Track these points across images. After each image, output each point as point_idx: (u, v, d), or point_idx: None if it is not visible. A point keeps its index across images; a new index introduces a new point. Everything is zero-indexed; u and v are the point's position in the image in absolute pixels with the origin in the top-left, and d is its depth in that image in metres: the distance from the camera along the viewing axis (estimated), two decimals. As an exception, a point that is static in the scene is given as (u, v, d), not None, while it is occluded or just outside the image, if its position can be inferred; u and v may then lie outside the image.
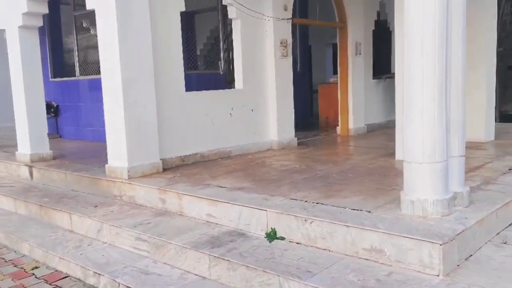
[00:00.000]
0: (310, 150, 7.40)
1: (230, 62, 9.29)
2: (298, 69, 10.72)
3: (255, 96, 7.41)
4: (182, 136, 6.41)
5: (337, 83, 9.79)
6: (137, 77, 5.62)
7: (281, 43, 7.50)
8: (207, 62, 9.78)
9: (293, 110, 7.85)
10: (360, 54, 9.10)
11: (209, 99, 6.78)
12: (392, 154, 6.58)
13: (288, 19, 7.59)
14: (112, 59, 5.50)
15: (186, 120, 6.44)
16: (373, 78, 9.79)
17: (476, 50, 7.05)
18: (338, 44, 9.09)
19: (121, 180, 5.56)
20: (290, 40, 7.67)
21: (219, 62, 9.18)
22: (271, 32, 7.41)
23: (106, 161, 5.91)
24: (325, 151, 7.34)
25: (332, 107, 9.89)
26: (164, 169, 6.01)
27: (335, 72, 12.68)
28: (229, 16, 7.14)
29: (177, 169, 6.14)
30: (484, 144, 7.04)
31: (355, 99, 9.05)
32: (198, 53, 9.93)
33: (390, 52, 10.72)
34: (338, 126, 9.29)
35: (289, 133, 7.79)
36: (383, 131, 9.42)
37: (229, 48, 9.31)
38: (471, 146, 6.68)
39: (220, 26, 9.11)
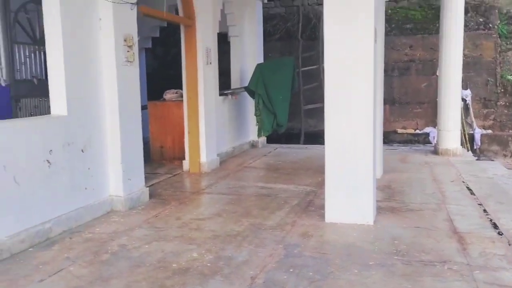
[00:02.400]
0: (177, 210, 4.78)
1: (15, 66, 5.86)
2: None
3: (87, 125, 4.40)
4: (-47, 220, 3.07)
5: (176, 100, 7.32)
6: None
7: (125, 40, 4.68)
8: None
9: (142, 143, 5.09)
10: (210, 63, 6.84)
11: (8, 137, 3.53)
12: (309, 210, 4.58)
13: (133, 4, 4.82)
14: None
15: (-39, 185, 3.13)
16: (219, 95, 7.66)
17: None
18: (183, 47, 6.62)
19: None
20: (136, 37, 4.90)
21: (-2, 66, 5.65)
22: (109, 22, 4.52)
23: None
24: (203, 210, 4.83)
25: (169, 134, 7.33)
26: None
27: (154, 88, 10.07)
28: (38, -14, 4.00)
29: None
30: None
31: (207, 123, 6.74)
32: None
33: (229, 64, 8.83)
34: (184, 159, 6.81)
35: (138, 181, 4.99)
36: (238, 163, 7.37)
37: (13, 43, 5.87)
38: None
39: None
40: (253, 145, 9.08)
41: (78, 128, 4.25)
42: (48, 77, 4.14)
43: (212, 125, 6.91)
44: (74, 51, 4.20)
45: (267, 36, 10.60)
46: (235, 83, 8.65)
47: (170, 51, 11.67)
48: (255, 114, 7.89)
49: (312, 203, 4.90)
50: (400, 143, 10.03)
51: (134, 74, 4.86)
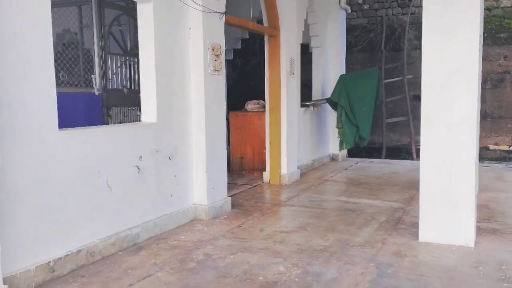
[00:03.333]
0: (260, 221, 4.69)
1: (107, 75, 6.12)
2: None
3: (175, 133, 4.45)
4: (51, 220, 3.18)
5: (257, 111, 7.29)
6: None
7: (213, 49, 4.71)
8: (68, 74, 6.41)
9: (226, 153, 5.08)
10: (293, 73, 6.75)
11: (102, 142, 3.63)
12: (399, 227, 4.27)
13: (222, 13, 4.85)
14: None
15: (59, 187, 3.23)
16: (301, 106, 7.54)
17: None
18: (266, 57, 6.59)
19: None
20: (223, 47, 4.93)
21: (92, 76, 5.91)
22: (198, 31, 4.57)
23: None
24: (286, 223, 4.68)
25: (249, 144, 7.31)
26: (14, 304, 2.74)
27: (233, 98, 10.19)
28: (133, -3, 4.12)
29: (43, 298, 2.90)
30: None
31: (289, 134, 6.63)
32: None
33: (310, 75, 8.68)
34: (264, 171, 6.74)
35: (221, 191, 4.97)
36: (318, 176, 7.17)
37: (106, 54, 6.14)
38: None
39: (94, 16, 5.87)
40: (333, 158, 8.84)
41: (166, 136, 4.31)
42: (140, 85, 4.24)
43: (294, 136, 6.79)
44: (164, 60, 4.28)
45: (349, 47, 10.36)
46: (316, 94, 8.49)
47: (249, 62, 11.79)
48: (337, 126, 7.67)
49: (401, 221, 4.59)
50: (492, 161, 9.30)
51: (220, 83, 4.87)
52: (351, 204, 5.32)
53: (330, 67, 8.68)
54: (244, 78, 11.69)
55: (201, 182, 4.68)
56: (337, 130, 7.77)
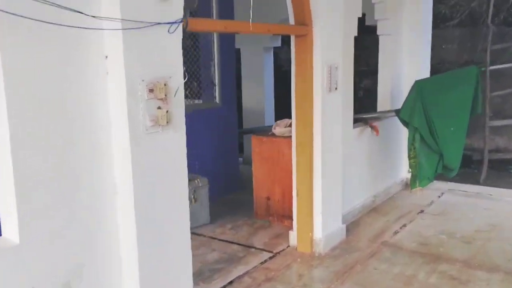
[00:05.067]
0: None
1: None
2: (217, 100, 5.99)
3: (74, 246, 2.55)
4: None
5: (288, 136, 5.13)
6: None
7: (151, 90, 2.65)
8: None
9: (191, 257, 3.08)
10: (336, 88, 4.46)
11: None
12: None
13: (175, 23, 2.73)
14: None
15: None
16: (354, 125, 5.25)
17: None
18: (293, 67, 4.37)
19: None
20: (181, 78, 2.84)
21: None
22: (117, 61, 2.54)
23: None
24: None
25: (278, 181, 5.22)
26: None
27: (282, 106, 8.03)
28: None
29: None
30: None
31: (327, 180, 4.44)
32: None
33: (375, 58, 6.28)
34: (291, 229, 4.66)
35: (181, 316, 3.04)
36: (376, 233, 4.94)
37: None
38: None
39: None
40: (407, 183, 6.46)
41: (51, 258, 2.43)
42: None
43: (336, 181, 4.59)
44: (45, 122, 2.34)
45: (441, 21, 7.67)
46: (383, 102, 6.09)
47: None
48: (409, 156, 5.26)
49: None
50: None
51: (173, 147, 2.82)
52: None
53: (406, 62, 6.17)
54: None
55: (135, 316, 2.77)
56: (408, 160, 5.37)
